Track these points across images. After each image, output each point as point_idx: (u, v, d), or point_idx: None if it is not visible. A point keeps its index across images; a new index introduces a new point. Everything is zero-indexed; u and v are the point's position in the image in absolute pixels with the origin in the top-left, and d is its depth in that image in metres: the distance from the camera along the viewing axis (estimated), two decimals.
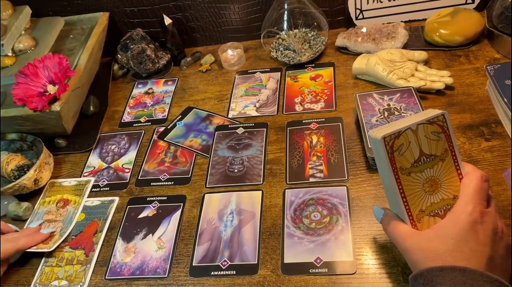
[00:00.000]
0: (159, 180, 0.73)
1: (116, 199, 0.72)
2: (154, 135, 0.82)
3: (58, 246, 0.66)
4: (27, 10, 0.89)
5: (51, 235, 0.68)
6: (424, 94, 0.74)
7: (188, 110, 0.86)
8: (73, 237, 0.68)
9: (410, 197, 0.46)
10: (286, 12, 0.87)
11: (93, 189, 0.75)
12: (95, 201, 0.73)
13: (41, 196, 0.76)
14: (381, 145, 0.44)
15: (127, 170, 0.77)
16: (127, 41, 0.93)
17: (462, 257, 0.41)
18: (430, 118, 0.45)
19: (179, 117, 0.85)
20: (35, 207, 0.74)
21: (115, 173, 0.77)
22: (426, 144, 0.45)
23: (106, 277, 0.62)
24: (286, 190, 0.66)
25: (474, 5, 0.86)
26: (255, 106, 0.83)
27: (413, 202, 0.46)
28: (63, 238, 0.67)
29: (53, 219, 0.71)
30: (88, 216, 0.71)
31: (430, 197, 0.46)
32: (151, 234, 0.66)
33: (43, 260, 0.66)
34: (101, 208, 0.71)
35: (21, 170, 0.74)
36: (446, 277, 0.40)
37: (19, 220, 0.73)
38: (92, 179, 0.77)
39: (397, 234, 0.47)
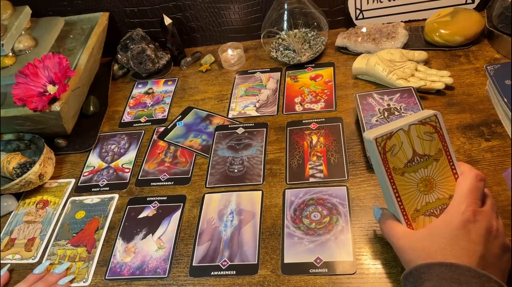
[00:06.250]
0: (159, 180, 0.73)
1: (116, 196, 0.72)
2: (154, 135, 0.82)
3: (42, 252, 0.66)
4: (27, 10, 0.89)
5: (32, 239, 0.68)
6: (424, 94, 0.74)
7: (188, 110, 0.86)
8: (74, 235, 0.68)
9: (404, 197, 0.46)
10: (286, 12, 0.87)
11: (92, 189, 0.75)
12: (95, 198, 0.73)
13: (21, 198, 0.76)
14: (373, 146, 0.44)
15: (127, 170, 0.77)
16: (127, 41, 0.93)
17: (452, 256, 0.41)
18: (422, 119, 0.45)
19: (179, 117, 0.85)
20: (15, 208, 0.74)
21: (115, 173, 0.77)
22: (419, 144, 0.46)
23: (106, 277, 0.62)
24: (286, 190, 0.66)
25: (474, 5, 0.86)
26: (255, 106, 0.83)
27: (407, 201, 0.46)
28: (44, 242, 0.67)
29: (33, 220, 0.71)
30: (89, 213, 0.71)
31: (425, 196, 0.46)
32: (151, 234, 0.66)
33: (45, 257, 0.66)
34: (101, 205, 0.72)
35: (24, 167, 0.74)
36: (433, 273, 0.40)
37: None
38: (73, 181, 0.77)
39: (392, 233, 0.47)
